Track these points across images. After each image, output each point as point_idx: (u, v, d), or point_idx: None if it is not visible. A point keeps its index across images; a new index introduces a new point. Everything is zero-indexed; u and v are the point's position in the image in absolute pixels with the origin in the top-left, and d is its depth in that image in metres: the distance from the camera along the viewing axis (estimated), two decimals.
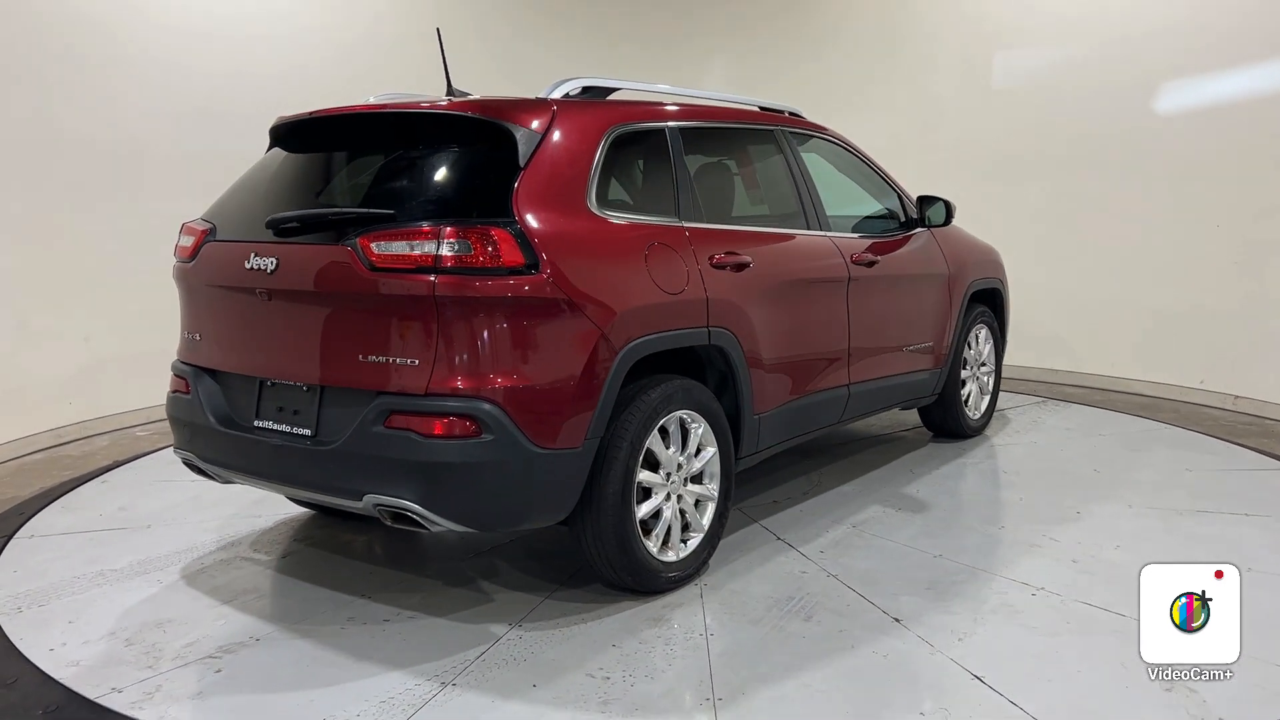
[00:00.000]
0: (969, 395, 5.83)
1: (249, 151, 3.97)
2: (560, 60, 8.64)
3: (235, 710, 2.92)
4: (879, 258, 4.79)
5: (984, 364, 5.96)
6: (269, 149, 3.93)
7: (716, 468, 3.86)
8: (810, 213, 4.48)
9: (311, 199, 3.56)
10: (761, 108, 4.71)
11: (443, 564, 4.07)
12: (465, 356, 3.12)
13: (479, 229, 3.10)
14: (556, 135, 3.46)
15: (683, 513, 3.75)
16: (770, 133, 4.51)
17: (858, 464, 5.39)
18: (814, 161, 4.99)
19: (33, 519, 4.72)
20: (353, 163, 3.65)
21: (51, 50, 6.08)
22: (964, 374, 5.75)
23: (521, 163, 3.31)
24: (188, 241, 3.77)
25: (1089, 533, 4.23)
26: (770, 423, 4.14)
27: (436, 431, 3.10)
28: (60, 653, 3.31)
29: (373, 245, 3.14)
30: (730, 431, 3.93)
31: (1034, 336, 7.70)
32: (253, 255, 3.43)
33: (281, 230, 3.37)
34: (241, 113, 6.68)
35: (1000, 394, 6.86)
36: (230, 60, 6.96)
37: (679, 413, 3.65)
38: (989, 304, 6.00)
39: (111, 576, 3.97)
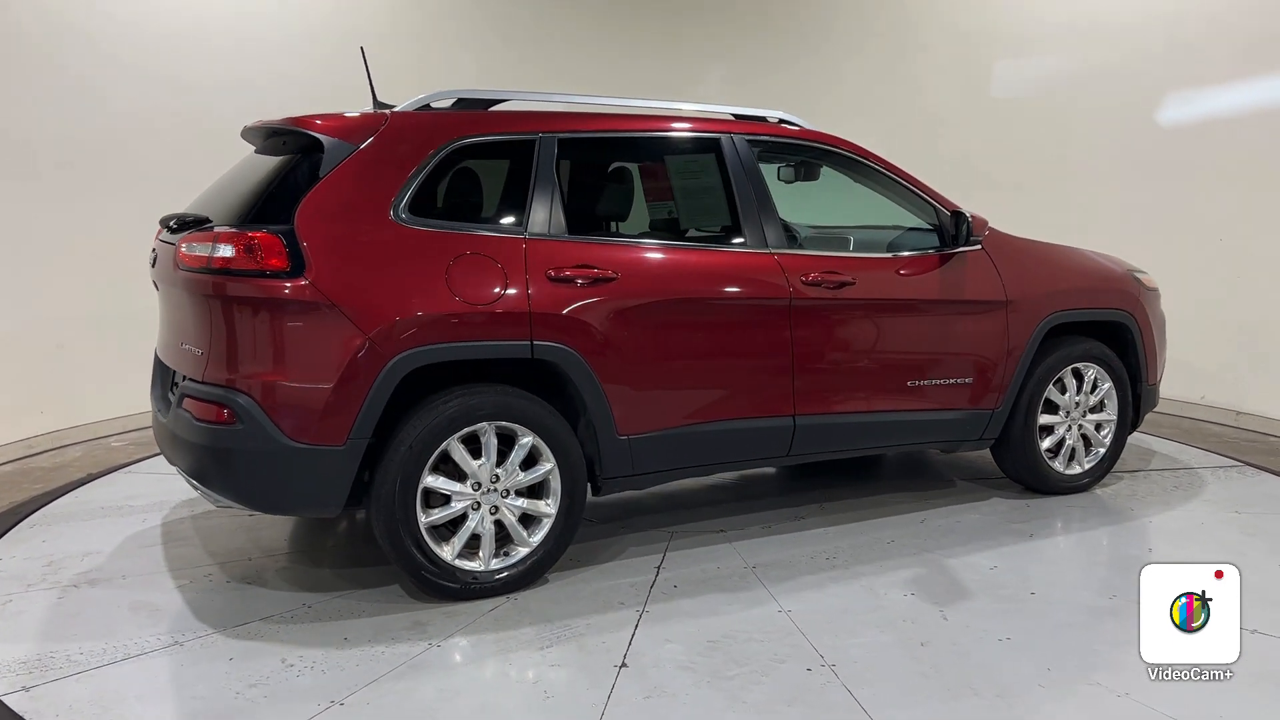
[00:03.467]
0: (1059, 446, 4.94)
1: (229, 155, 4.43)
2: (550, 64, 8.56)
3: (19, 633, 3.48)
4: (854, 279, 4.27)
5: (1095, 411, 5.01)
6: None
7: (557, 484, 3.78)
8: (751, 228, 4.14)
9: (215, 200, 3.99)
10: (737, 115, 4.42)
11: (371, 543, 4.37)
12: (229, 350, 3.44)
13: (245, 234, 3.39)
14: (376, 147, 3.62)
15: (504, 526, 3.73)
16: (711, 141, 4.21)
17: (883, 503, 4.84)
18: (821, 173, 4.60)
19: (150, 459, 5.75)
20: (244, 171, 4.05)
21: (22, 49, 5.96)
22: (1050, 419, 4.89)
23: (321, 173, 3.53)
24: None
25: (953, 634, 3.51)
26: (651, 446, 3.94)
27: (203, 416, 3.45)
28: (4, 562, 4.12)
29: (183, 246, 3.55)
30: (581, 449, 3.83)
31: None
32: (152, 250, 4.01)
33: (170, 229, 3.88)
34: (222, 115, 5.92)
35: (1188, 450, 5.95)
36: (211, 62, 6.78)
37: (493, 423, 3.64)
38: (1109, 339, 5.03)
39: (126, 511, 4.81)
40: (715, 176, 4.18)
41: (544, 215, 3.78)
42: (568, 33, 8.82)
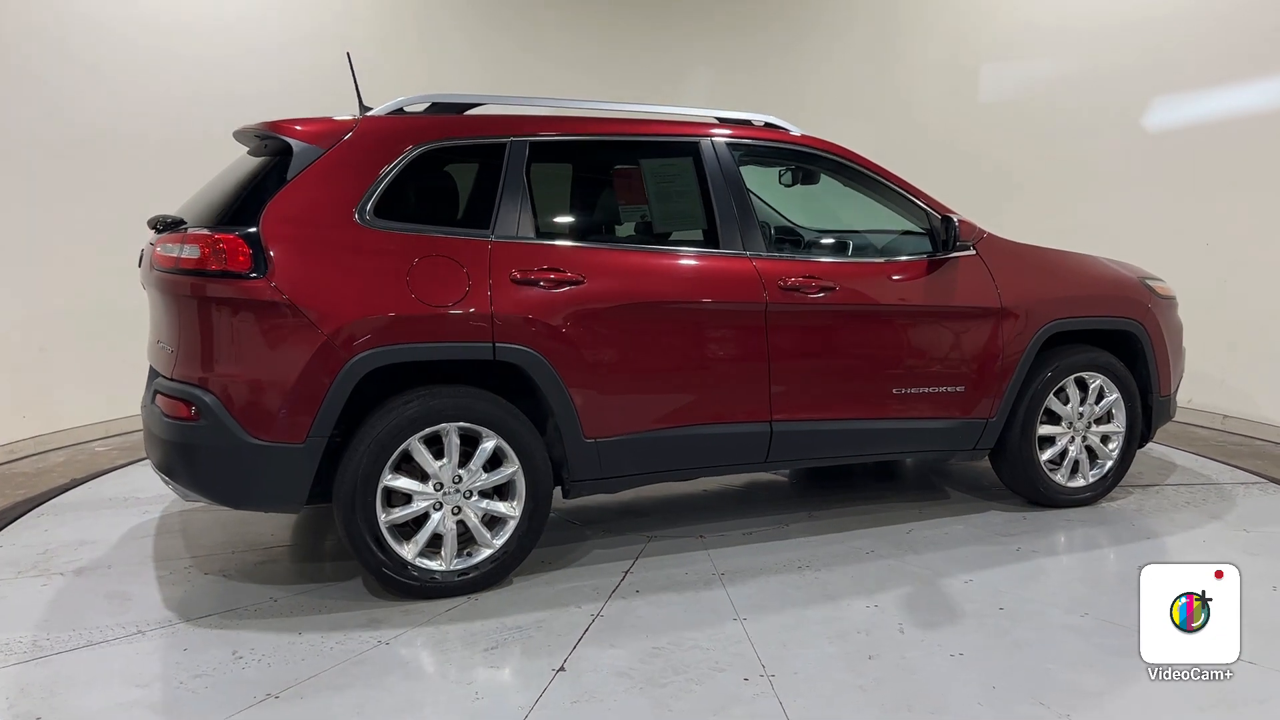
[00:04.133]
0: (1060, 457, 4.80)
1: (215, 156, 4.47)
2: (546, 64, 8.69)
3: None
4: (836, 284, 4.21)
5: (1102, 422, 4.86)
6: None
7: (522, 487, 3.80)
8: (728, 232, 4.11)
9: (199, 201, 4.08)
10: (722, 119, 4.39)
11: None
12: (195, 348, 3.54)
13: (210, 236, 3.48)
14: (343, 151, 3.68)
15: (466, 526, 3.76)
16: (689, 145, 4.18)
17: (873, 512, 4.76)
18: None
19: None
20: (229, 172, 4.14)
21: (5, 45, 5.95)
22: (1051, 430, 4.75)
23: (289, 175, 3.61)
24: None
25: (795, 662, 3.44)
26: (620, 449, 3.94)
27: (170, 412, 3.56)
28: (4, 549, 4.29)
29: (157, 247, 3.66)
30: (548, 452, 3.85)
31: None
32: (140, 251, 4.14)
33: (155, 230, 3.99)
34: (208, 116, 6.38)
35: (1211, 465, 5.74)
36: (198, 63, 6.78)
37: (455, 425, 3.67)
38: (1118, 348, 4.87)
39: (131, 503, 4.97)
40: (692, 180, 4.15)
41: (511, 218, 3.80)
42: (563, 34, 8.98)
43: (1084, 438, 4.84)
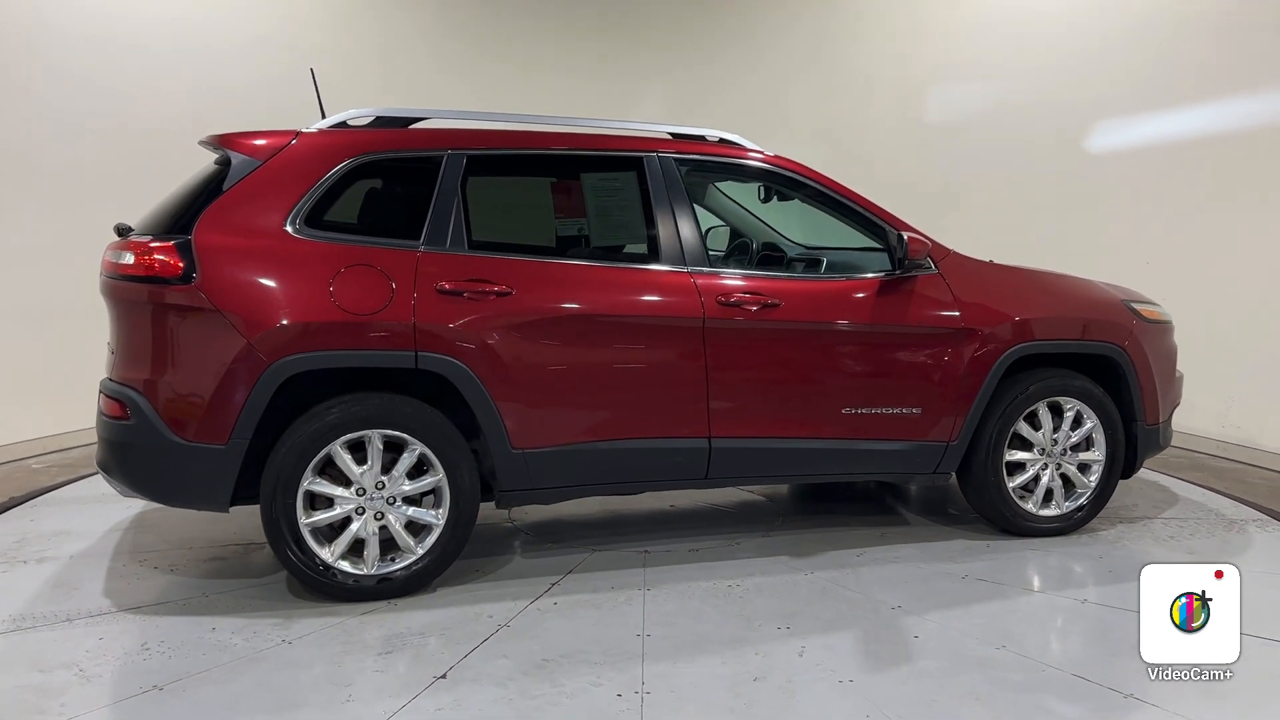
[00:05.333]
0: (1030, 484, 4.63)
1: (164, 169, 4.61)
2: (523, 72, 8.98)
3: None
4: (781, 301, 4.16)
5: (1081, 450, 4.68)
6: None
7: (445, 495, 3.86)
8: (668, 247, 4.10)
9: (155, 209, 4.23)
10: (675, 135, 4.39)
11: None
12: (129, 350, 3.71)
13: (144, 243, 3.64)
14: (279, 162, 3.81)
15: (387, 532, 3.83)
16: (631, 159, 4.19)
17: (831, 534, 4.68)
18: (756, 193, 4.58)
19: None
20: (186, 181, 4.29)
21: None
22: (1022, 456, 4.59)
23: (225, 186, 3.75)
24: None
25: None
26: (549, 461, 3.96)
27: (107, 411, 3.73)
28: None
29: (107, 254, 3.84)
30: (476, 461, 3.90)
31: None
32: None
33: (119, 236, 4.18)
34: (147, 130, 6.40)
35: (1216, 499, 5.47)
36: (138, 76, 6.71)
37: (379, 431, 3.75)
38: (1101, 374, 4.69)
39: (122, 498, 5.16)
40: (634, 195, 4.16)
41: (442, 230, 3.87)
42: (531, 45, 9.19)
43: (1059, 465, 4.66)
